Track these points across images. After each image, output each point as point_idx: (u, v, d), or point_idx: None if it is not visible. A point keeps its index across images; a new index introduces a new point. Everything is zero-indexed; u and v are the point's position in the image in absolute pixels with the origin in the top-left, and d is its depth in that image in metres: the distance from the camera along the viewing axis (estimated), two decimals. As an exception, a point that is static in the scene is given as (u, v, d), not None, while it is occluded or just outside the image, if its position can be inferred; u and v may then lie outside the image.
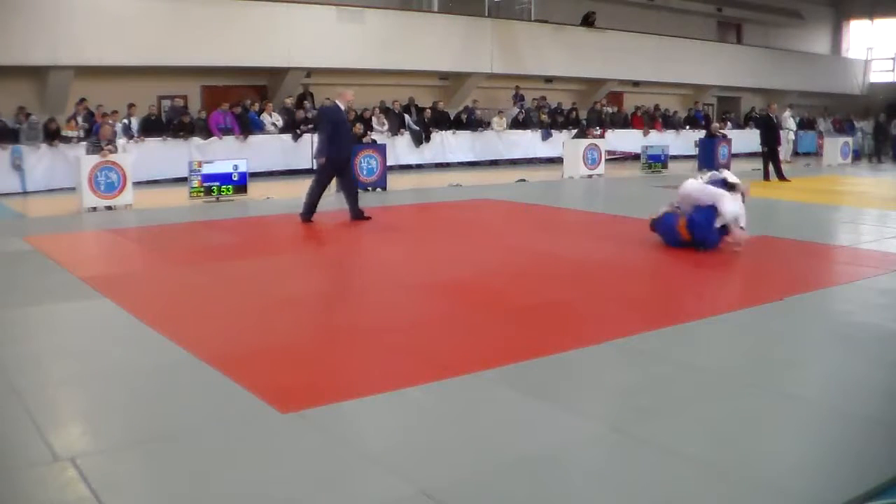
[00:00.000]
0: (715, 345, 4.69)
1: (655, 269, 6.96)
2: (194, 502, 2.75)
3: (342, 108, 9.58)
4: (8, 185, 13.01)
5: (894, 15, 30.13)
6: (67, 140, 13.80)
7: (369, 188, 12.87)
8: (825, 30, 31.26)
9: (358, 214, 9.53)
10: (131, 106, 14.88)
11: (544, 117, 20.15)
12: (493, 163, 19.22)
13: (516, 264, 7.01)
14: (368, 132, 14.81)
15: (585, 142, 16.43)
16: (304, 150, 16.13)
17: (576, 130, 18.46)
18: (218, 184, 11.73)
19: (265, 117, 16.35)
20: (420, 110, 18.46)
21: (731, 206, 7.11)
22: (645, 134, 20.99)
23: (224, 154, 13.82)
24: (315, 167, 9.72)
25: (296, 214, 9.53)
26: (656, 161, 17.30)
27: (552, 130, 19.87)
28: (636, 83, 23.46)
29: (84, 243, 8.63)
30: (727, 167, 16.61)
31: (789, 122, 21.73)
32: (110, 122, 12.61)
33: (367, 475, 2.94)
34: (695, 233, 7.22)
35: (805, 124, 25.19)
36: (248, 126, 15.78)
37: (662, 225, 7.58)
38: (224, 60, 15.98)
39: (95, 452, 3.16)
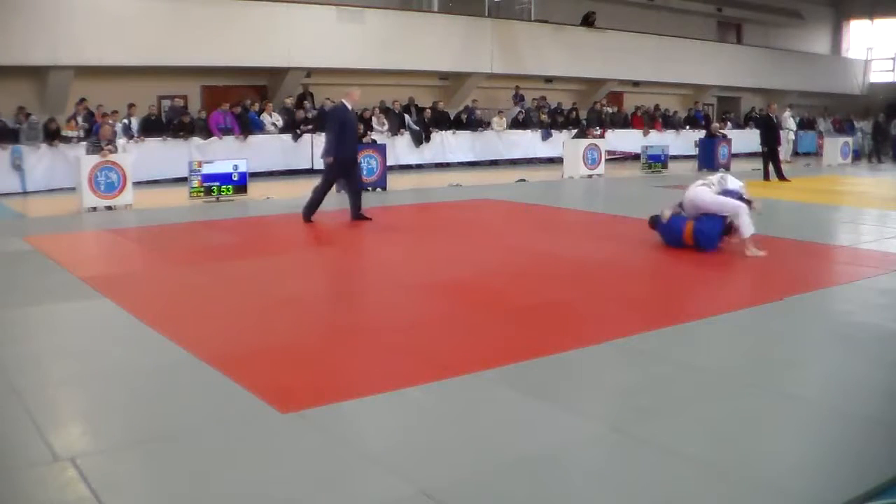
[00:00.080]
0: (715, 345, 4.69)
1: (655, 269, 6.96)
2: (194, 502, 2.75)
3: (349, 107, 9.58)
4: (8, 185, 13.01)
5: (894, 15, 30.13)
6: (67, 140, 13.80)
7: (369, 188, 12.86)
8: (825, 30, 31.26)
9: (358, 215, 9.53)
10: (131, 106, 14.88)
11: (544, 117, 20.15)
12: (493, 163, 19.22)
13: (516, 264, 7.01)
14: (368, 132, 14.82)
15: (585, 142, 16.43)
16: (304, 150, 16.15)
17: (576, 130, 18.46)
18: (218, 184, 11.73)
19: (265, 117, 16.34)
20: (420, 110, 18.46)
21: (747, 219, 7.09)
22: (645, 134, 20.99)
23: (224, 154, 13.82)
24: (324, 167, 9.68)
25: (296, 214, 9.55)
26: (656, 161, 17.30)
27: (552, 130, 19.87)
28: (636, 83, 23.46)
29: (84, 243, 8.63)
30: (727, 167, 16.70)
31: (789, 122, 21.73)
32: (110, 122, 12.62)
33: (367, 475, 2.94)
34: (700, 241, 7.21)
35: (805, 124, 25.19)
36: (248, 126, 15.78)
37: (667, 227, 7.50)
38: (224, 60, 15.98)
39: (95, 452, 3.16)
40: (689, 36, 24.20)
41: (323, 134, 15.65)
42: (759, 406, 3.61)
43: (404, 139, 17.70)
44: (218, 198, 11.68)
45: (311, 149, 16.05)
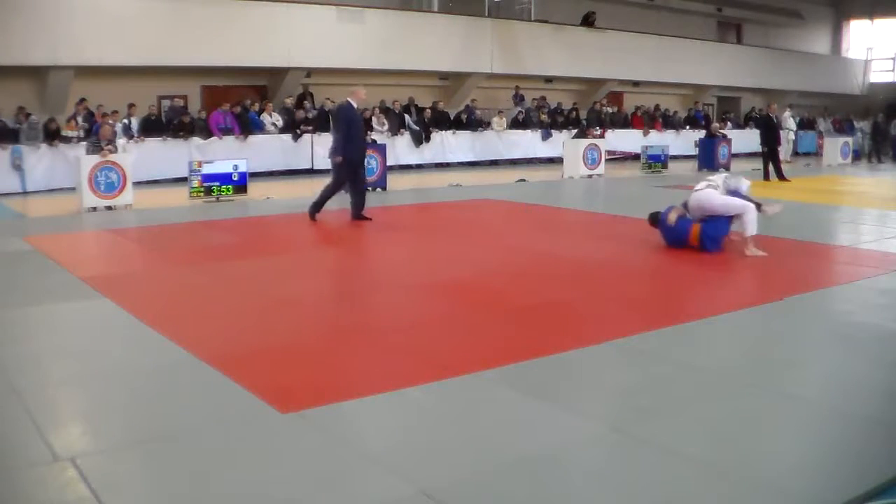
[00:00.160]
0: (715, 345, 4.69)
1: (655, 269, 6.96)
2: (194, 502, 2.75)
3: (355, 106, 9.54)
4: (8, 185, 13.01)
5: (894, 15, 30.14)
6: (67, 140, 13.80)
7: (369, 188, 12.85)
8: (825, 30, 31.27)
9: (359, 215, 9.52)
10: (131, 106, 14.88)
11: (544, 117, 20.15)
12: (493, 163, 19.23)
13: (516, 264, 7.01)
14: (368, 132, 14.81)
15: (585, 142, 16.43)
16: (304, 151, 16.15)
17: (576, 130, 18.46)
18: (218, 184, 11.73)
19: (265, 117, 16.35)
20: (420, 110, 18.46)
21: (753, 217, 7.10)
22: (645, 134, 21.00)
23: (224, 154, 13.81)
24: (332, 167, 9.67)
25: (296, 214, 9.55)
26: (656, 161, 17.30)
27: (552, 130, 19.88)
28: (636, 83, 23.46)
29: (84, 243, 8.63)
30: (727, 167, 16.70)
31: (789, 122, 21.74)
32: (110, 122, 12.61)
33: (367, 475, 2.94)
34: (706, 244, 7.21)
35: (805, 124, 25.20)
36: (248, 126, 15.78)
37: (673, 230, 7.47)
38: (224, 60, 15.98)
39: (95, 452, 3.16)
40: (689, 36, 24.21)
41: (323, 134, 15.86)
42: (759, 406, 3.61)
43: (404, 139, 17.71)
44: (218, 198, 11.68)
45: (311, 149, 16.06)
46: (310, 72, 17.50)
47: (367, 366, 4.25)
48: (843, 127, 25.39)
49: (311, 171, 15.73)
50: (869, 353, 4.40)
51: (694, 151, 19.31)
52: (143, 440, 3.26)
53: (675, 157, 19.11)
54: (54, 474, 2.92)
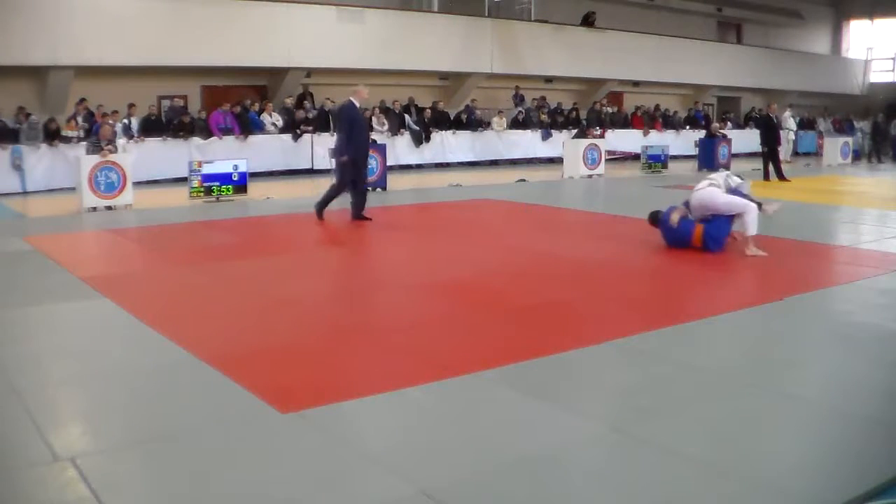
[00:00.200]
0: (715, 345, 4.69)
1: (655, 269, 6.96)
2: (194, 502, 2.75)
3: (358, 105, 9.53)
4: (8, 185, 13.01)
5: (894, 15, 30.14)
6: (67, 140, 13.80)
7: (369, 188, 12.85)
8: (825, 30, 31.27)
9: (359, 215, 9.52)
10: (131, 106, 14.88)
11: (544, 117, 20.15)
12: (493, 163, 19.23)
13: (516, 264, 7.01)
14: (368, 132, 14.80)
15: (585, 142, 16.44)
16: (304, 151, 16.15)
17: (576, 130, 18.46)
18: (218, 184, 11.73)
19: (265, 117, 16.35)
20: (420, 110, 18.46)
21: (754, 216, 7.11)
22: (645, 134, 21.00)
23: (224, 154, 13.81)
24: (336, 167, 9.67)
25: (296, 214, 9.56)
26: (656, 161, 17.30)
27: (552, 130, 19.88)
28: (636, 83, 23.46)
29: (84, 243, 8.63)
30: (727, 167, 16.69)
31: (789, 122, 21.73)
32: (110, 122, 12.61)
33: (367, 475, 2.94)
34: (709, 245, 7.21)
35: (805, 124, 25.20)
36: (248, 126, 15.78)
37: (675, 231, 7.45)
38: (224, 60, 15.98)
39: (95, 452, 3.16)
40: (689, 36, 24.21)
41: (323, 134, 15.87)
42: (759, 406, 3.61)
43: (404, 139, 17.71)
44: (218, 198, 11.68)
45: (311, 149, 16.06)
46: (310, 72, 17.50)
47: (367, 366, 4.25)
48: (843, 127, 25.39)
49: (311, 171, 15.73)
50: (869, 353, 4.40)
51: (694, 151, 19.30)
52: (143, 440, 3.26)
53: (675, 157, 19.12)
54: (54, 474, 2.92)
